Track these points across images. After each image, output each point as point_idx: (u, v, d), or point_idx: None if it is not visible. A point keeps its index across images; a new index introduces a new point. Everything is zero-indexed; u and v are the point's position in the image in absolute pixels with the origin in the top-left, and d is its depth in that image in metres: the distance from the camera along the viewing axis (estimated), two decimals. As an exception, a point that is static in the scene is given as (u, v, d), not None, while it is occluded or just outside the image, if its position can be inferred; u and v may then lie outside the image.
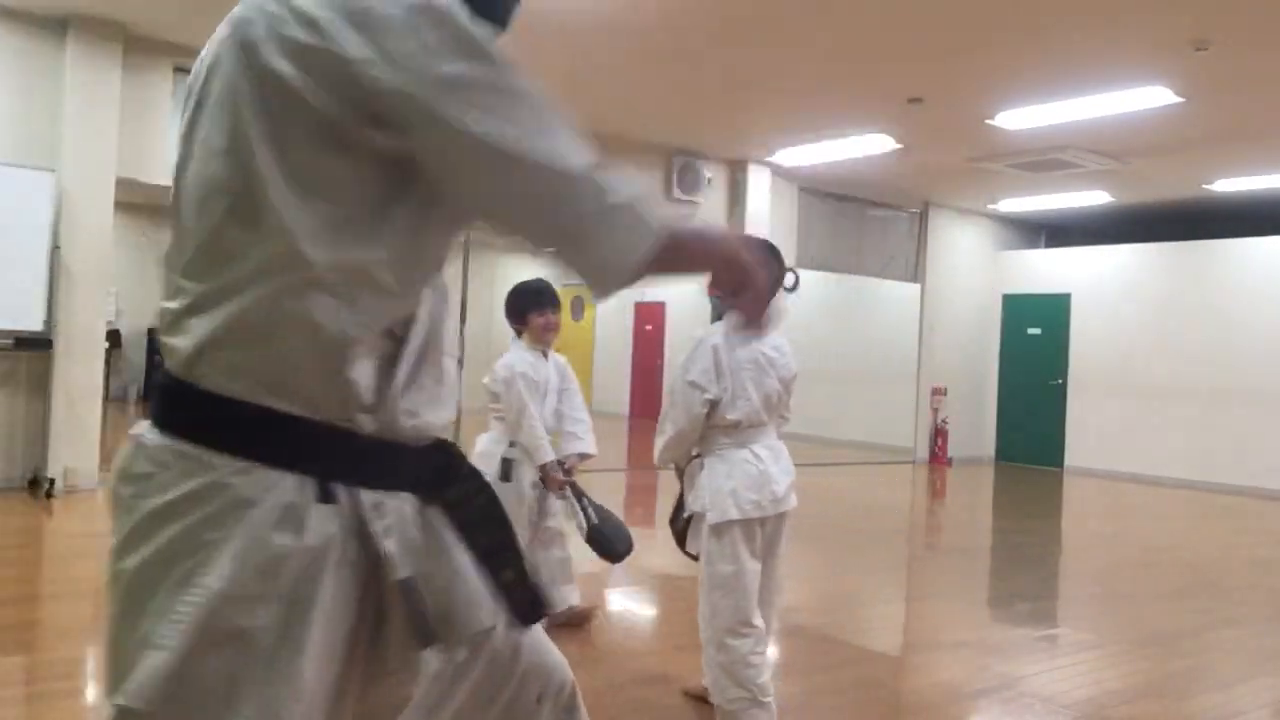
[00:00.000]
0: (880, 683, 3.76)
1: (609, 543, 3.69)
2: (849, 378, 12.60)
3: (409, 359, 1.16)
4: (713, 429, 3.04)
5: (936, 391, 11.86)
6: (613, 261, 1.12)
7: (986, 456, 12.31)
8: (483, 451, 3.85)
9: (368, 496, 1.13)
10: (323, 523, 1.08)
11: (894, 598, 5.37)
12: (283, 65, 1.05)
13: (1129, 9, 5.52)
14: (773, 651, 4.08)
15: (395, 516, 1.15)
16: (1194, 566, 6.38)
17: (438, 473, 1.23)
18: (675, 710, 3.24)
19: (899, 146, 8.87)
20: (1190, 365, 10.66)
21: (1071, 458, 11.63)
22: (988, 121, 7.91)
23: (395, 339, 1.15)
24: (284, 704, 1.05)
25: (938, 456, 11.74)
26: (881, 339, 12.35)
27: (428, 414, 1.20)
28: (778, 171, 10.21)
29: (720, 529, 2.95)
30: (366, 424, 1.13)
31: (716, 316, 3.18)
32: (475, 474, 1.30)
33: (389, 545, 1.12)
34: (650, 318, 15.25)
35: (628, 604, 4.84)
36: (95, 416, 6.73)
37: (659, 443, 3.08)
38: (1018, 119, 7.75)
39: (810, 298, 12.49)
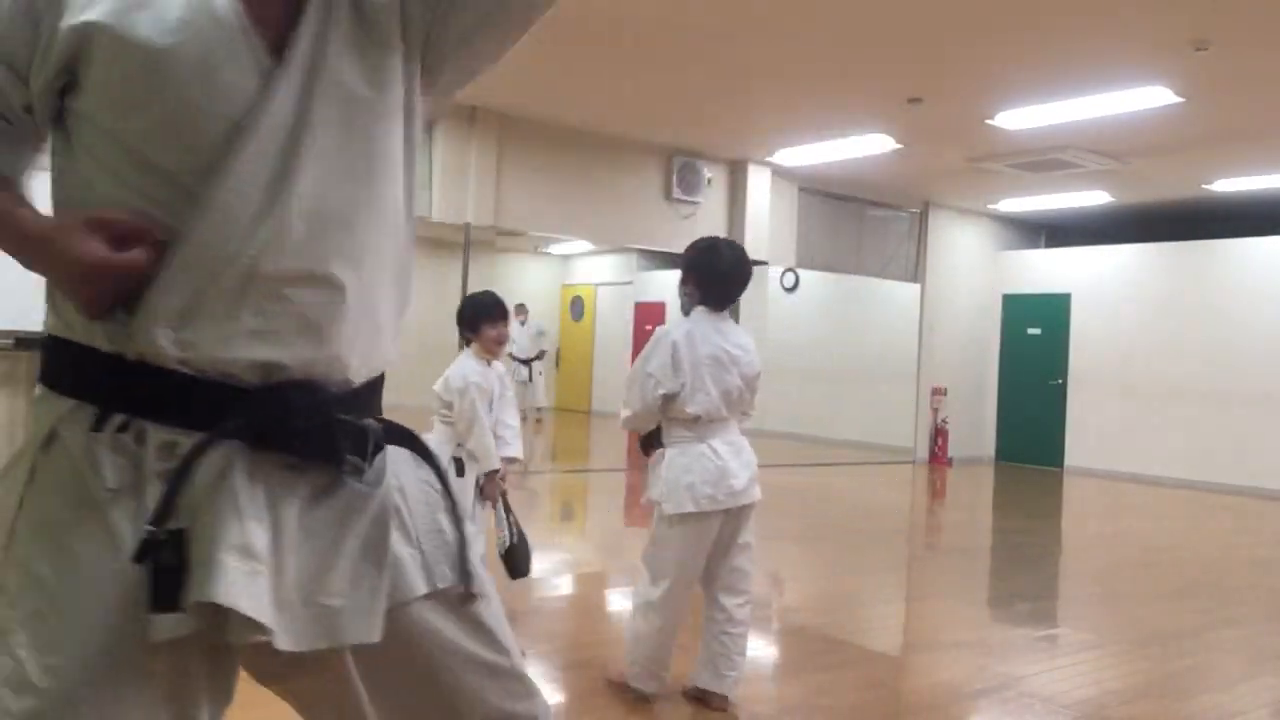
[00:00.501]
0: (880, 683, 3.76)
1: (520, 563, 3.88)
2: (849, 378, 12.60)
3: (185, 277, 1.02)
4: (673, 421, 3.16)
5: (936, 391, 11.86)
6: None
7: (986, 456, 12.31)
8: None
9: (163, 432, 1.03)
10: (96, 453, 1.03)
11: (894, 598, 5.37)
12: None
13: (1129, 9, 5.52)
14: (772, 651, 4.09)
15: (209, 464, 1.02)
16: (1194, 566, 6.38)
17: (353, 437, 1.10)
18: (675, 710, 3.24)
19: (899, 146, 8.87)
20: (1190, 365, 10.66)
21: (1071, 458, 11.63)
22: (988, 121, 7.91)
23: (150, 243, 1.02)
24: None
25: (938, 456, 11.74)
26: (881, 339, 12.34)
27: (238, 350, 1.04)
28: (778, 171, 10.21)
29: (674, 519, 3.09)
30: (123, 346, 1.03)
31: (685, 311, 3.28)
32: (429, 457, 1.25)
33: (153, 490, 1.01)
34: (650, 317, 15.25)
35: (627, 604, 4.84)
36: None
37: (624, 414, 3.25)
38: (1018, 119, 7.75)
39: (810, 298, 12.51)
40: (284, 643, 1.03)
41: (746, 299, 10.70)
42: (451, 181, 8.17)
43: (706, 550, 3.15)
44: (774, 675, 3.81)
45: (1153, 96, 6.97)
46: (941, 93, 7.31)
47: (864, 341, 12.62)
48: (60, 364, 1.09)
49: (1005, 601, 5.36)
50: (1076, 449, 11.60)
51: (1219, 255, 10.66)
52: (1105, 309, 11.46)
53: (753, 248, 10.33)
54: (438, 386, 4.03)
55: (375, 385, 1.20)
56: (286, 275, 1.05)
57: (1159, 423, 10.84)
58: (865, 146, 8.92)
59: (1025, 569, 6.26)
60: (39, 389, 1.08)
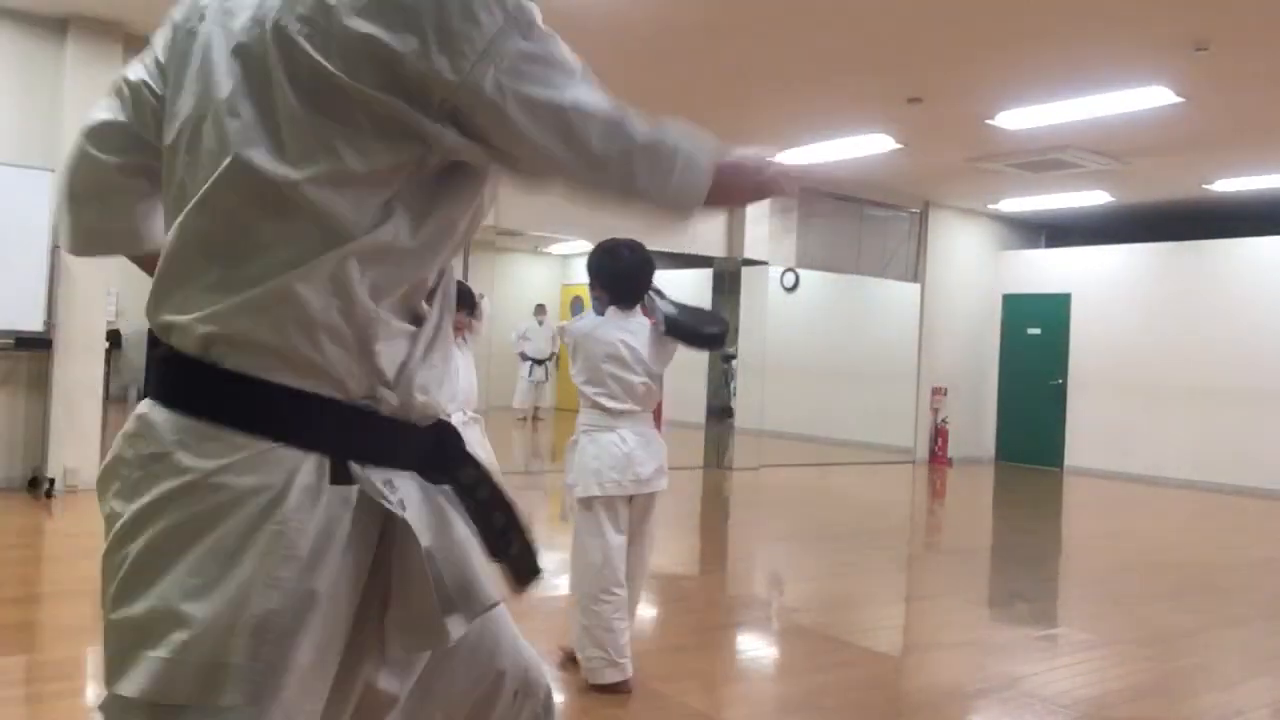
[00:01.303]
0: (880, 683, 3.76)
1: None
2: (849, 377, 12.59)
3: (426, 336, 1.18)
4: (587, 409, 3.38)
5: (936, 391, 11.86)
6: (675, 195, 1.22)
7: (986, 456, 12.31)
8: None
9: (377, 474, 1.12)
10: (334, 505, 1.08)
11: (894, 598, 5.37)
12: (334, 58, 1.05)
13: (1129, 9, 5.52)
14: (772, 651, 4.09)
15: (405, 493, 1.14)
16: (1194, 566, 6.38)
17: (441, 452, 1.23)
18: (675, 709, 3.24)
19: (899, 146, 8.87)
20: (1190, 365, 10.66)
21: (1071, 458, 11.63)
22: (988, 121, 7.91)
23: (415, 316, 1.17)
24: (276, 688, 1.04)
25: (938, 456, 11.74)
26: (881, 339, 12.34)
27: (436, 392, 1.21)
28: (778, 171, 10.19)
29: (585, 503, 3.29)
30: (388, 400, 1.14)
31: (599, 313, 3.48)
32: (474, 457, 1.31)
33: (410, 516, 1.13)
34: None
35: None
36: (95, 416, 6.73)
37: None
38: (1018, 119, 7.75)
39: (810, 298, 12.49)
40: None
41: (747, 299, 10.79)
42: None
43: (622, 533, 3.31)
44: (774, 675, 3.81)
45: (1153, 96, 6.97)
46: (941, 93, 7.31)
47: (864, 341, 12.61)
48: (304, 419, 1.10)
49: (1005, 601, 5.36)
50: (1076, 449, 11.59)
51: (1219, 255, 10.66)
52: (1105, 309, 11.46)
53: (752, 248, 10.38)
54: None
55: None
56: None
57: (1159, 423, 10.84)
58: (865, 146, 8.92)
59: (1025, 569, 6.26)
60: (258, 442, 1.06)
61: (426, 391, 1.18)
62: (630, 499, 3.34)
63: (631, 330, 3.38)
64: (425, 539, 1.13)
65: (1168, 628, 4.66)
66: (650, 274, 3.45)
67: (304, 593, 1.05)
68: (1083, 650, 4.21)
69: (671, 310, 3.47)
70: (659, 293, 3.66)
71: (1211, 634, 4.59)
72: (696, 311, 3.69)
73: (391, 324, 1.13)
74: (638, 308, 3.44)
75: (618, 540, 3.30)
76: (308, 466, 1.07)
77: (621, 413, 3.33)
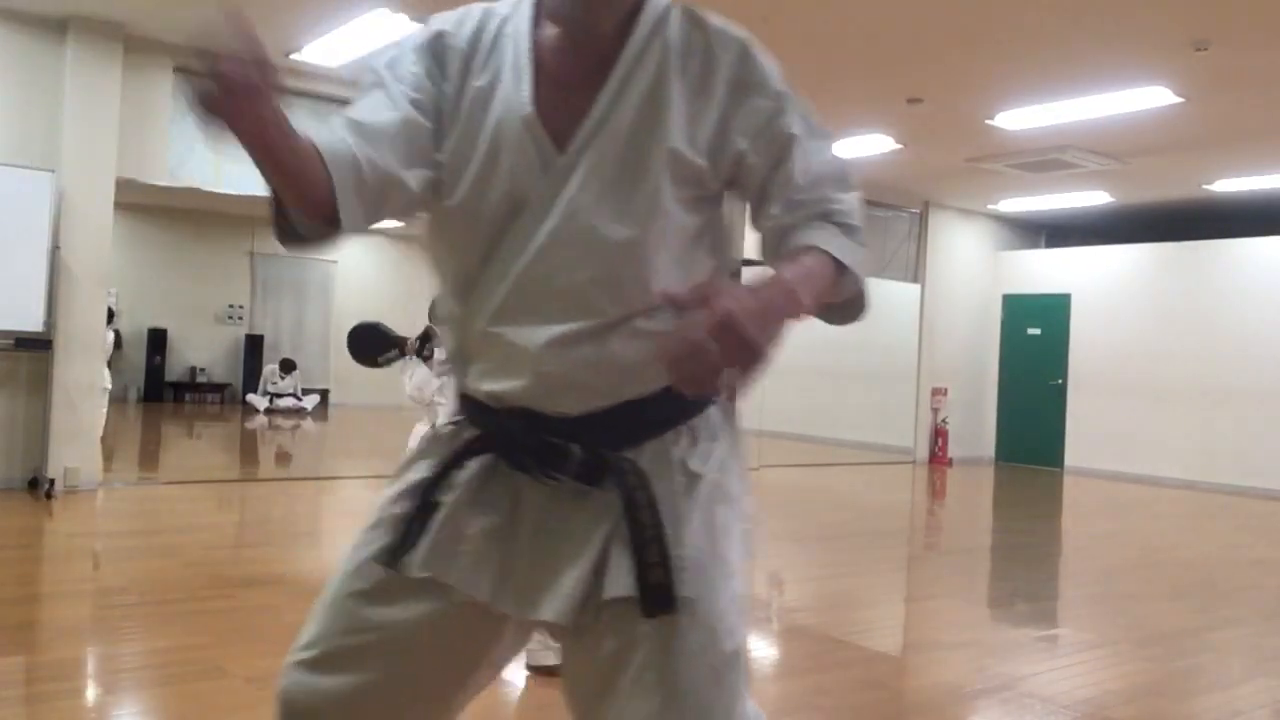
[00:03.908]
0: (880, 683, 3.76)
1: None
2: (849, 378, 12.59)
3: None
4: None
5: (936, 391, 11.86)
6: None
7: (986, 456, 12.31)
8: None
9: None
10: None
11: (894, 598, 5.37)
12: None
13: (1129, 9, 5.52)
14: (772, 651, 4.09)
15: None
16: (1194, 566, 6.38)
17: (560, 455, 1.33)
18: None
19: (899, 146, 8.87)
20: (1190, 365, 10.66)
21: (1071, 458, 11.63)
22: (988, 121, 7.91)
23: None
24: None
25: (938, 456, 11.74)
26: (881, 339, 12.34)
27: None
28: (778, 171, 10.20)
29: None
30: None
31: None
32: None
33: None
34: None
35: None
36: (95, 417, 6.73)
37: None
38: (1018, 119, 7.75)
39: (810, 298, 12.48)
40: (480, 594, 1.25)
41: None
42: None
43: None
44: (774, 675, 3.81)
45: (1153, 96, 6.97)
46: (941, 93, 7.31)
47: (864, 341, 12.61)
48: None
49: (1005, 601, 5.36)
50: (1076, 449, 11.59)
51: (1219, 255, 10.66)
52: (1105, 309, 11.46)
53: (753, 248, 10.36)
54: (412, 391, 4.35)
55: (607, 415, 1.24)
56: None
57: (1159, 423, 10.84)
58: (865, 146, 8.92)
59: (1025, 569, 6.26)
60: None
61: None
62: None
63: None
64: None
65: (1168, 628, 4.66)
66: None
67: None
68: (1083, 650, 4.21)
69: None
70: None
71: (1211, 634, 4.59)
72: None
73: None
74: None
75: None
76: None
77: None
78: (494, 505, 1.26)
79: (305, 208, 1.16)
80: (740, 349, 0.99)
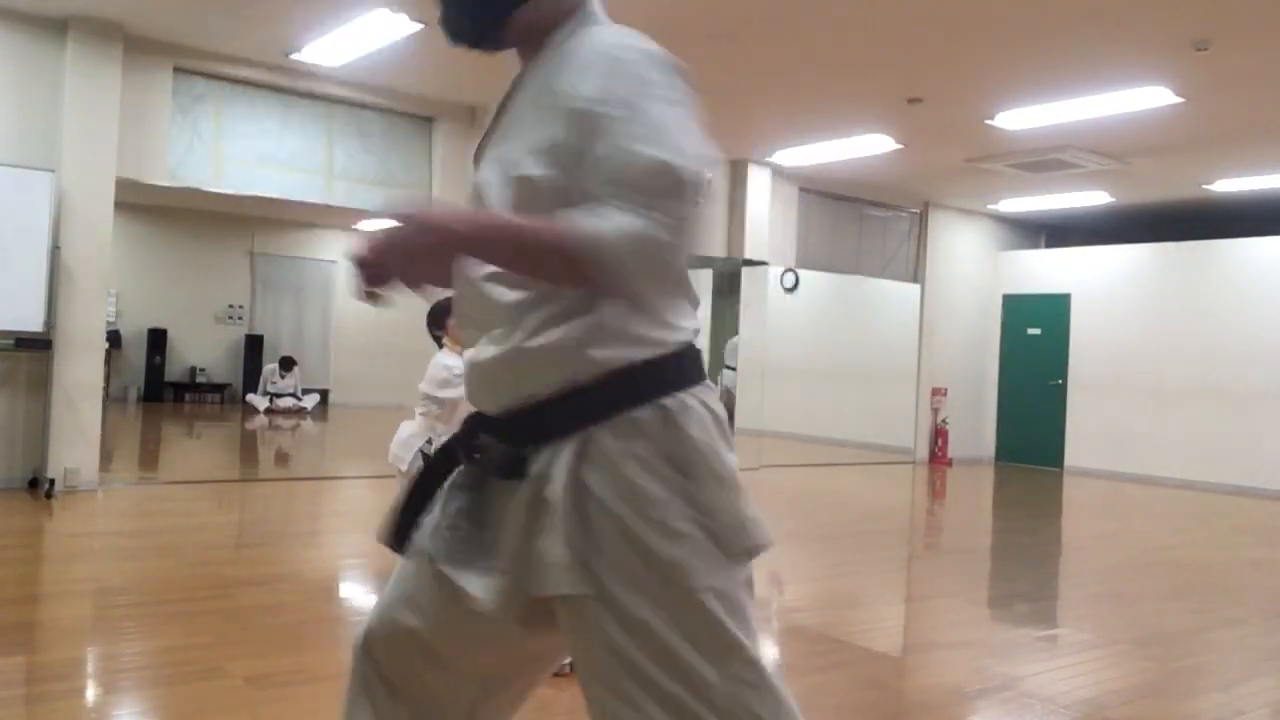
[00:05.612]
0: (880, 683, 3.76)
1: None
2: (849, 378, 12.59)
3: None
4: None
5: (936, 392, 11.86)
6: None
7: (986, 456, 12.31)
8: (404, 439, 4.50)
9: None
10: None
11: (894, 598, 5.37)
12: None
13: (1129, 9, 5.52)
14: (772, 651, 4.08)
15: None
16: (1194, 566, 6.38)
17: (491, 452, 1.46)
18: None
19: (899, 146, 8.87)
20: (1190, 365, 10.66)
21: (1071, 458, 11.63)
22: (988, 121, 7.91)
23: None
24: None
25: (938, 456, 11.74)
26: (881, 339, 12.35)
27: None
28: (778, 171, 10.21)
29: None
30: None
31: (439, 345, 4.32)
32: None
33: None
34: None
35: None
36: (95, 416, 6.74)
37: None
38: (1018, 119, 7.75)
39: (810, 298, 12.49)
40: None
41: (747, 299, 10.80)
42: (452, 181, 8.17)
43: None
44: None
45: (1153, 96, 6.97)
46: (941, 93, 7.31)
47: (864, 341, 12.62)
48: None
49: (1005, 601, 5.36)
50: (1076, 449, 11.60)
51: (1219, 255, 10.65)
52: (1105, 309, 11.46)
53: (753, 248, 10.37)
54: (422, 384, 4.48)
55: (524, 412, 1.33)
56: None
57: (1159, 423, 10.84)
58: (865, 146, 8.92)
59: (1025, 569, 6.25)
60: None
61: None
62: None
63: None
64: None
65: (1167, 628, 4.66)
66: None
67: None
68: (1083, 650, 4.21)
69: None
70: None
71: (1211, 634, 4.59)
72: None
73: None
74: None
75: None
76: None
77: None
78: (470, 490, 1.41)
79: None
80: (389, 252, 1.23)
